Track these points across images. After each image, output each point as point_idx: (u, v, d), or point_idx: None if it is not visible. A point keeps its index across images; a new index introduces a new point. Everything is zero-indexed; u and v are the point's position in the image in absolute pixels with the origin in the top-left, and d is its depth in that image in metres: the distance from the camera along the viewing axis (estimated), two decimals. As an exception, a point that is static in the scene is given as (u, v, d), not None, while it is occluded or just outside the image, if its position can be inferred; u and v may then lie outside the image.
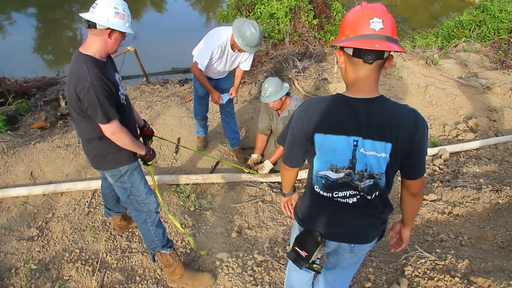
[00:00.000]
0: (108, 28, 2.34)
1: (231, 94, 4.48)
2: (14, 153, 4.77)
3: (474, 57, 7.85)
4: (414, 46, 8.40)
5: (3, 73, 6.80)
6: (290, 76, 6.74)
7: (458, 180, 4.03)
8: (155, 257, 3.02)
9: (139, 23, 13.42)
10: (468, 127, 5.45)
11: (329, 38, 8.26)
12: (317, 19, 8.17)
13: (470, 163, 4.40)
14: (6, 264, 3.35)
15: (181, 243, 3.52)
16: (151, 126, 3.16)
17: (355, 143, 1.65)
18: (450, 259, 2.91)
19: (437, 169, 4.39)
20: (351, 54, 1.55)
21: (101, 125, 2.42)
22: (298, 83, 6.63)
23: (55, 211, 3.96)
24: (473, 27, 8.89)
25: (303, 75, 6.86)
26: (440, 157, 4.60)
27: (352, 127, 1.64)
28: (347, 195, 1.79)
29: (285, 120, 4.28)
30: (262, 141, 4.63)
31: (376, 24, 1.51)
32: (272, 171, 4.48)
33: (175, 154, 4.82)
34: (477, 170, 4.20)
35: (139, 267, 3.29)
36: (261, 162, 4.57)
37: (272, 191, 4.25)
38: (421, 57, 7.38)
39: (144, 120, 3.09)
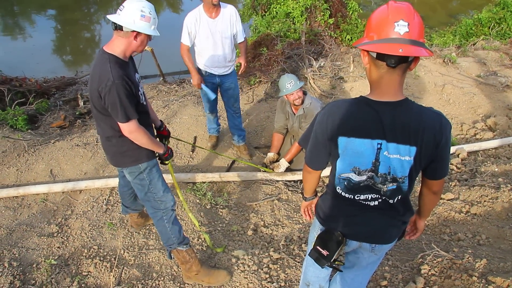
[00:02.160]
0: (134, 31, 2.39)
1: (241, 63, 4.46)
2: (34, 151, 4.88)
3: (493, 55, 7.71)
4: (431, 44, 8.30)
5: (24, 73, 6.96)
6: (306, 75, 6.73)
7: (476, 179, 3.98)
8: (172, 254, 3.05)
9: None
10: (487, 126, 5.37)
11: (345, 37, 8.22)
12: (333, 18, 8.14)
13: (489, 162, 4.33)
14: (28, 259, 3.42)
15: (198, 240, 3.55)
16: (167, 127, 3.20)
17: (378, 146, 1.65)
18: (467, 258, 2.87)
19: (455, 168, 4.34)
20: (375, 56, 1.54)
21: (120, 124, 2.46)
22: (314, 82, 6.62)
23: (74, 208, 4.04)
24: (493, 24, 8.74)
25: (319, 74, 6.84)
26: (458, 156, 4.55)
27: (376, 130, 1.63)
28: (369, 198, 1.79)
29: (300, 118, 4.28)
30: (278, 140, 4.64)
31: (401, 28, 1.48)
32: (288, 169, 4.49)
33: (191, 152, 4.86)
34: (496, 169, 4.13)
35: (156, 263, 3.33)
36: (277, 160, 4.58)
37: (288, 190, 4.26)
38: (439, 56, 7.29)
39: (161, 121, 3.12)
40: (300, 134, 4.31)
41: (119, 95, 2.33)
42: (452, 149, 4.68)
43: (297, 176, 4.37)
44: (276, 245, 3.43)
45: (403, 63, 1.53)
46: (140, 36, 2.43)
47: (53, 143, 5.08)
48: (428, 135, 1.60)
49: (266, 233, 3.63)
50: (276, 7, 8.46)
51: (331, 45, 7.73)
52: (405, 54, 1.46)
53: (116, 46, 2.44)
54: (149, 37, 2.50)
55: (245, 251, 3.35)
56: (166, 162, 2.93)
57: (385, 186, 1.73)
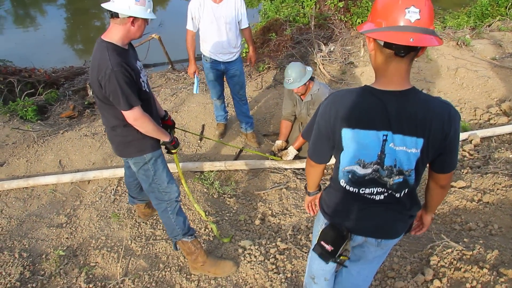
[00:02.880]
0: (131, 16, 2.34)
1: (251, 60, 4.50)
2: (43, 142, 4.90)
3: (510, 37, 7.45)
4: (445, 27, 8.06)
5: (33, 64, 6.98)
6: (315, 61, 6.61)
7: (489, 166, 3.86)
8: (177, 245, 3.04)
9: (164, 11, 13.49)
10: (501, 110, 5.21)
11: (356, 21, 8.04)
12: (343, 2, 7.95)
13: (503, 148, 4.20)
14: (38, 249, 3.46)
15: (205, 230, 3.54)
16: (175, 116, 3.16)
17: (384, 137, 1.57)
18: (478, 249, 2.79)
19: (467, 154, 4.22)
20: (382, 44, 1.45)
21: (123, 112, 2.43)
22: (323, 68, 6.50)
23: (82, 198, 4.06)
24: (510, 4, 8.45)
25: (329, 59, 6.71)
26: (470, 142, 4.42)
27: (381, 121, 1.55)
28: (374, 192, 1.72)
29: (308, 104, 4.20)
30: (287, 127, 4.57)
31: (412, 15, 1.38)
32: (297, 157, 4.43)
33: (199, 141, 4.83)
34: (510, 156, 4.00)
35: (163, 254, 3.33)
36: (285, 148, 4.52)
37: (297, 178, 4.22)
38: (452, 38, 7.09)
39: (165, 111, 3.09)
40: (308, 120, 4.23)
41: (119, 82, 2.30)
42: (465, 135, 4.56)
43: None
44: (284, 235, 3.39)
45: (412, 51, 1.45)
46: (137, 21, 2.39)
47: (62, 133, 5.10)
48: (436, 127, 1.52)
49: (274, 223, 3.60)
50: (285, -9, 8.32)
51: (341, 29, 7.58)
52: (416, 44, 1.38)
53: (114, 34, 2.40)
54: (146, 21, 2.46)
55: (252, 241, 3.33)
56: (173, 151, 2.90)
57: (391, 179, 1.65)
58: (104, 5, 2.36)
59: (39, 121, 5.58)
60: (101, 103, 2.52)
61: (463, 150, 4.31)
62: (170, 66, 7.60)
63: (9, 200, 4.06)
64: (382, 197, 1.72)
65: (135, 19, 2.37)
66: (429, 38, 1.39)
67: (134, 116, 2.46)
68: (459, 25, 8.10)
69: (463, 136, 4.55)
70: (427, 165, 1.71)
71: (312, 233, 3.38)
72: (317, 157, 1.86)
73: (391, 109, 1.53)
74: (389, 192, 1.70)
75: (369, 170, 1.66)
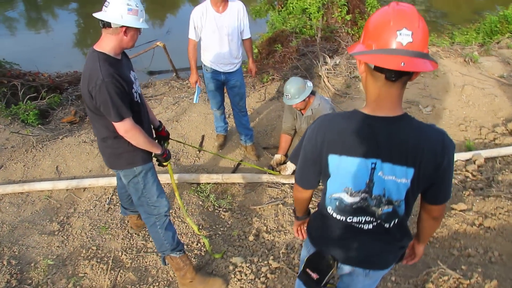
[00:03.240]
0: (123, 26, 2.30)
1: (251, 72, 4.46)
2: (42, 147, 4.88)
3: (519, 55, 7.36)
4: (453, 42, 7.97)
5: (38, 68, 6.99)
6: (320, 73, 6.55)
7: (492, 189, 3.75)
8: (166, 260, 2.97)
9: (174, 18, 13.54)
10: (507, 130, 5.09)
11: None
12: (351, 15, 7.91)
13: (507, 170, 4.08)
14: (27, 257, 3.41)
15: (197, 244, 3.46)
16: (168, 127, 3.10)
17: (372, 165, 1.48)
18: (476, 277, 2.68)
19: (470, 175, 4.10)
20: (373, 67, 1.37)
21: (114, 124, 2.39)
22: (328, 81, 6.43)
23: (76, 206, 4.01)
24: (519, 22, 8.35)
25: (334, 73, 6.65)
26: (474, 163, 4.31)
27: (370, 148, 1.47)
28: (362, 221, 1.63)
29: (309, 119, 4.13)
30: (286, 141, 4.50)
31: (404, 37, 1.30)
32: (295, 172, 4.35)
33: (198, 152, 4.77)
34: (514, 178, 3.90)
35: (153, 267, 3.26)
36: (284, 162, 4.45)
37: (294, 193, 4.13)
38: (459, 55, 6.99)
39: (159, 121, 3.04)
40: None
41: (109, 93, 2.25)
42: (469, 155, 4.45)
43: (304, 179, 4.23)
44: (277, 253, 3.31)
45: (404, 76, 1.36)
46: (130, 31, 2.35)
47: (61, 139, 5.07)
48: (427, 156, 1.43)
49: (268, 239, 3.51)
50: (292, 3, 8.28)
51: (347, 42, 7.52)
52: (408, 69, 1.29)
53: (106, 44, 2.36)
54: (139, 30, 2.42)
55: (243, 258, 3.25)
56: (165, 163, 2.84)
57: (380, 209, 1.57)
58: (96, 15, 2.32)
59: (39, 126, 5.56)
60: (92, 114, 2.47)
61: (466, 171, 4.20)
62: (174, 74, 7.58)
63: (3, 205, 4.03)
64: (370, 226, 1.64)
65: (128, 28, 2.33)
66: (422, 62, 1.31)
67: (125, 128, 2.41)
68: (468, 41, 8.00)
69: (466, 155, 4.45)
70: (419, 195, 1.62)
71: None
72: (304, 182, 1.77)
73: (381, 136, 1.44)
74: (378, 222, 1.62)
75: (356, 199, 1.58)
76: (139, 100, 2.58)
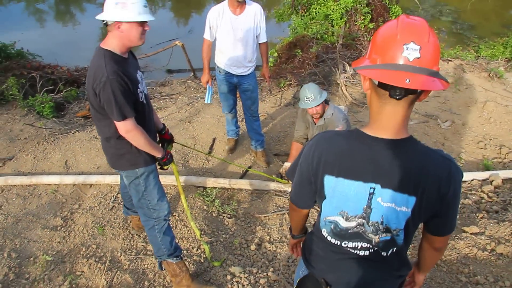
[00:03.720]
0: (115, 21, 2.25)
1: (265, 76, 4.41)
2: (54, 140, 4.90)
3: (547, 72, 7.10)
4: (478, 56, 7.74)
5: (58, 61, 7.05)
6: (338, 81, 6.43)
7: (508, 213, 3.57)
8: (162, 265, 2.92)
9: (199, 17, 13.57)
10: (530, 151, 4.90)
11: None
12: (374, 23, 7.76)
13: (526, 194, 3.91)
14: (28, 251, 3.40)
15: (197, 250, 3.39)
16: (170, 131, 3.04)
17: (371, 190, 1.38)
18: (484, 309, 2.55)
19: (485, 196, 3.92)
20: (377, 84, 1.27)
21: (116, 123, 2.35)
22: (346, 89, 6.31)
23: (81, 202, 4.00)
24: (549, 38, 8.06)
25: (352, 81, 6.52)
26: (491, 183, 4.13)
27: (369, 172, 1.36)
28: (358, 247, 1.52)
29: (321, 128, 4.03)
30: (297, 149, 4.40)
31: (411, 52, 1.19)
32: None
33: (207, 154, 4.70)
34: (533, 203, 3.72)
35: (151, 271, 3.20)
36: (293, 171, 4.34)
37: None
38: (484, 69, 6.77)
39: (163, 124, 2.98)
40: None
41: (113, 91, 2.21)
42: (486, 175, 4.27)
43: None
44: (277, 265, 3.21)
45: (411, 94, 1.24)
46: (123, 25, 2.26)
47: (73, 133, 5.09)
48: (431, 185, 1.31)
49: (270, 250, 3.42)
50: (316, 8, 8.18)
51: (369, 51, 7.37)
52: (413, 86, 1.17)
53: (110, 42, 2.33)
54: (141, 25, 2.32)
55: (243, 268, 3.16)
56: (165, 167, 2.79)
57: (377, 236, 1.45)
58: (97, 17, 2.30)
59: (54, 118, 5.60)
60: (95, 112, 2.43)
61: (481, 191, 4.02)
62: (192, 74, 7.56)
63: (10, 196, 4.04)
64: (367, 253, 1.52)
65: (121, 23, 2.26)
66: (430, 80, 1.19)
67: (126, 128, 2.36)
68: (494, 56, 7.76)
69: (483, 175, 4.27)
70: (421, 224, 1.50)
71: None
72: (299, 201, 1.67)
73: (382, 160, 1.34)
74: (375, 249, 1.51)
75: (353, 224, 1.47)
76: (144, 101, 2.53)
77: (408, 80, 1.17)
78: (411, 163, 1.32)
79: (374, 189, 1.37)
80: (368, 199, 1.39)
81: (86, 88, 2.54)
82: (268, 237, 3.57)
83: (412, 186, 1.32)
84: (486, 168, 4.52)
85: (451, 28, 11.12)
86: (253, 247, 3.44)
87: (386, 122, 1.33)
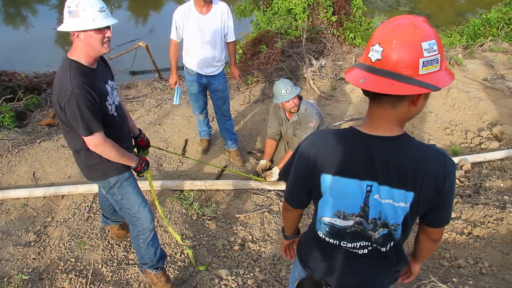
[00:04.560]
0: (73, 31, 2.15)
1: (234, 75, 4.34)
2: (18, 151, 4.68)
3: (502, 58, 7.40)
4: (438, 45, 7.98)
5: (14, 68, 6.74)
6: (305, 76, 6.48)
7: (480, 196, 3.72)
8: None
9: (158, 16, 13.32)
10: (493, 134, 5.10)
11: (348, 36, 7.95)
12: (336, 16, 7.85)
13: (494, 176, 4.06)
14: (0, 271, 3.23)
15: (180, 256, 3.34)
16: (146, 137, 2.96)
17: (368, 188, 1.39)
18: (467, 291, 2.64)
19: (458, 182, 4.07)
20: None
21: (83, 137, 2.25)
22: (314, 83, 6.37)
23: (54, 215, 3.85)
24: (502, 25, 8.41)
25: (319, 75, 6.59)
26: (461, 168, 4.28)
27: (365, 169, 1.37)
28: (357, 246, 1.54)
29: (294, 124, 4.05)
30: (271, 146, 4.41)
31: (374, 54, 1.22)
32: (281, 178, 4.25)
33: (181, 157, 4.63)
34: (501, 185, 3.87)
35: (135, 281, 3.13)
36: (269, 168, 4.35)
37: (280, 200, 4.04)
38: (444, 57, 6.98)
39: (139, 130, 2.90)
40: (294, 141, 4.08)
41: (79, 106, 2.11)
42: (455, 160, 4.42)
43: (291, 185, 4.13)
44: (263, 264, 3.21)
45: (386, 96, 1.25)
46: (81, 34, 2.14)
47: (38, 143, 4.88)
48: (428, 180, 1.33)
49: (254, 250, 3.41)
50: (278, 3, 8.19)
51: (333, 43, 7.47)
52: (366, 87, 1.22)
53: (75, 52, 2.21)
54: (100, 32, 2.17)
55: (229, 270, 3.14)
56: (141, 175, 2.72)
57: (376, 232, 1.47)
58: (57, 29, 2.21)
59: (16, 129, 5.34)
60: (63, 125, 2.33)
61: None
62: (157, 75, 7.41)
63: (-25, 214, 3.83)
64: (366, 251, 1.54)
65: (79, 33, 2.15)
66: (387, 83, 1.20)
67: (95, 143, 2.27)
68: (452, 44, 8.04)
69: (454, 161, 4.42)
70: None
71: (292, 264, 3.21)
72: (294, 201, 1.67)
73: (378, 157, 1.35)
74: (374, 246, 1.53)
75: (350, 222, 1.48)
76: (114, 113, 2.42)
77: (362, 80, 1.23)
78: (407, 159, 1.34)
79: (371, 186, 1.38)
80: (365, 196, 1.41)
81: (52, 100, 2.42)
82: (251, 237, 3.56)
83: (410, 182, 1.34)
84: (455, 153, 4.68)
85: (408, 17, 11.41)
86: (236, 247, 3.42)
87: (376, 121, 1.35)
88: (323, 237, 1.58)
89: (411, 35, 1.19)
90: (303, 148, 1.51)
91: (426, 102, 1.34)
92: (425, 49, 1.19)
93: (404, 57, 1.19)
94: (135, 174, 2.72)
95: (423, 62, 1.19)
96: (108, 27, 2.21)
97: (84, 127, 2.16)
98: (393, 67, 1.20)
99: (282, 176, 1.69)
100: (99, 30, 2.16)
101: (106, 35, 2.20)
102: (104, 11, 2.17)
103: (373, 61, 1.23)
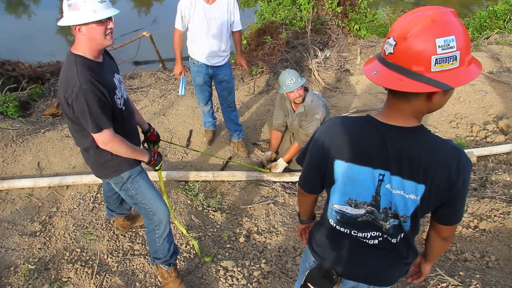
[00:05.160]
0: (74, 25, 2.10)
1: (241, 65, 4.29)
2: (23, 141, 4.68)
3: (508, 51, 7.33)
4: (443, 37, 7.92)
5: (18, 57, 6.72)
6: (310, 67, 6.44)
7: (486, 190, 3.70)
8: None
9: (161, 5, 13.25)
10: (498, 128, 5.06)
11: (353, 27, 7.90)
12: (341, 7, 7.80)
13: (500, 170, 4.04)
14: (6, 261, 3.24)
15: (186, 247, 3.34)
16: (156, 129, 2.93)
17: (380, 177, 1.38)
18: (475, 285, 2.62)
19: (463, 175, 4.05)
20: None
21: (92, 135, 2.21)
22: (318, 74, 6.34)
23: (59, 205, 3.85)
24: (509, 17, 8.33)
25: (324, 66, 6.55)
26: (467, 161, 4.26)
27: (379, 158, 1.36)
28: (368, 236, 1.54)
29: (300, 116, 4.03)
30: (277, 138, 4.40)
31: (388, 47, 1.21)
32: (286, 170, 4.25)
33: (186, 147, 4.62)
34: (508, 179, 3.85)
35: (140, 271, 3.13)
36: (275, 160, 4.34)
37: (285, 192, 4.03)
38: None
39: (149, 124, 2.86)
40: (299, 133, 4.06)
41: (87, 102, 2.06)
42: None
43: (296, 177, 4.13)
44: (269, 255, 3.20)
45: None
46: (82, 28, 2.09)
47: (42, 133, 4.87)
48: (441, 174, 1.31)
49: (259, 241, 3.41)
50: (282, -7, 8.13)
51: (338, 35, 7.42)
52: (374, 80, 1.21)
53: (79, 46, 2.16)
54: (102, 24, 2.12)
55: (235, 261, 3.14)
56: (156, 168, 2.68)
57: (387, 222, 1.46)
58: (58, 23, 2.16)
59: (20, 118, 5.34)
60: (71, 123, 2.28)
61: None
62: (161, 65, 7.38)
63: (-20, 203, 3.84)
64: (376, 241, 1.54)
65: (80, 26, 2.10)
66: (395, 78, 1.19)
67: (104, 140, 2.23)
68: (458, 36, 7.95)
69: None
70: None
71: (299, 254, 3.21)
72: (308, 186, 1.68)
73: (392, 147, 1.33)
74: (385, 236, 1.52)
75: (361, 211, 1.47)
76: (123, 107, 2.38)
77: (374, 72, 1.23)
78: (421, 151, 1.32)
79: (384, 175, 1.37)
80: (377, 185, 1.40)
81: (58, 97, 2.38)
82: (256, 228, 3.56)
83: (422, 174, 1.33)
84: (461, 146, 4.65)
85: (413, 9, 11.32)
86: (242, 239, 3.42)
87: (392, 112, 1.34)
88: (334, 225, 1.58)
89: (426, 30, 1.15)
90: (318, 134, 1.51)
91: (447, 98, 1.30)
92: (439, 46, 1.14)
93: (414, 53, 1.17)
94: (147, 168, 2.69)
95: (436, 59, 1.15)
96: (109, 18, 2.15)
97: (93, 123, 2.12)
98: (403, 62, 1.19)
99: (298, 161, 1.69)
100: (101, 22, 2.10)
101: (108, 27, 2.15)
102: (105, 1, 2.12)
103: (386, 54, 1.22)
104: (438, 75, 1.17)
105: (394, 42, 1.19)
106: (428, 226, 1.59)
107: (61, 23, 2.11)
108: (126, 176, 2.49)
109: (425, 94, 1.24)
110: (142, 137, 2.86)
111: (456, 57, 1.16)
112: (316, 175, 1.58)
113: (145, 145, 2.88)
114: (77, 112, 2.12)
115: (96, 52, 2.20)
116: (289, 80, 3.77)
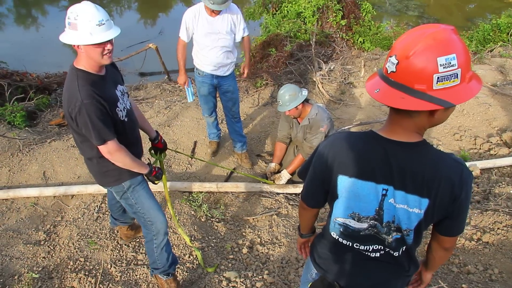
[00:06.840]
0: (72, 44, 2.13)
1: (243, 71, 4.35)
2: (29, 151, 4.73)
3: (511, 63, 7.36)
4: (447, 50, 7.96)
5: (26, 68, 6.81)
6: (314, 79, 6.48)
7: (490, 202, 3.70)
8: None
9: (167, 18, 13.38)
10: (502, 140, 5.07)
11: (357, 40, 7.95)
12: (346, 20, 7.87)
13: (503, 182, 4.05)
14: (11, 269, 3.26)
15: (189, 257, 3.35)
16: (163, 137, 2.97)
17: (384, 192, 1.40)
18: (477, 297, 2.63)
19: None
20: None
21: (98, 146, 2.27)
22: (322, 87, 6.37)
23: (64, 214, 3.88)
24: (512, 30, 8.37)
25: (328, 78, 6.59)
26: (470, 174, 4.26)
27: (382, 173, 1.38)
28: (370, 249, 1.55)
29: (305, 128, 4.06)
30: (281, 149, 4.42)
31: (390, 65, 1.24)
32: (290, 181, 4.27)
33: (190, 159, 4.65)
34: (511, 191, 3.85)
35: (143, 281, 3.14)
36: (278, 171, 4.36)
37: (289, 204, 4.04)
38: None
39: (156, 132, 2.90)
40: (304, 145, 4.09)
41: (89, 116, 2.11)
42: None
43: (299, 189, 4.15)
44: (272, 266, 3.21)
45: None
46: (80, 46, 2.11)
47: (49, 142, 4.92)
48: (444, 188, 1.33)
49: (262, 252, 3.42)
50: (287, 6, 8.21)
51: (342, 47, 7.47)
52: (377, 98, 1.24)
53: (80, 60, 2.19)
54: (100, 46, 2.12)
55: (237, 272, 3.14)
56: (156, 182, 2.71)
57: (390, 236, 1.48)
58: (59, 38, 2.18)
59: (27, 128, 5.40)
60: (76, 135, 2.33)
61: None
62: (166, 76, 7.45)
63: (-14, 212, 3.87)
64: (378, 254, 1.55)
65: (79, 45, 2.12)
66: (398, 96, 1.22)
67: (109, 150, 2.28)
68: (461, 49, 7.98)
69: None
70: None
71: (302, 266, 3.21)
72: (310, 200, 1.69)
73: (395, 162, 1.36)
74: (387, 250, 1.53)
75: (364, 225, 1.49)
76: (125, 119, 2.42)
77: (377, 90, 1.25)
78: (424, 166, 1.34)
79: (387, 190, 1.39)
80: (380, 200, 1.42)
81: (63, 110, 2.42)
82: (259, 239, 3.57)
83: (425, 189, 1.34)
84: (464, 159, 4.66)
85: (418, 22, 11.41)
86: (245, 250, 3.43)
87: (395, 127, 1.37)
88: (336, 238, 1.60)
89: (428, 49, 1.18)
90: (322, 148, 1.53)
91: (449, 113, 1.32)
92: (440, 65, 1.17)
93: (417, 72, 1.19)
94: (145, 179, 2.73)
95: (438, 78, 1.18)
96: (108, 40, 2.15)
97: (97, 136, 2.17)
98: (406, 80, 1.21)
99: (300, 175, 1.71)
100: (98, 44, 2.12)
101: (106, 48, 2.16)
102: (104, 24, 2.11)
103: (388, 72, 1.25)
104: (440, 93, 1.19)
105: (396, 61, 1.22)
106: (430, 236, 1.60)
107: (61, 38, 2.14)
108: (127, 185, 2.54)
109: (427, 110, 1.25)
110: (149, 144, 2.92)
111: (457, 74, 1.19)
112: (319, 189, 1.60)
113: (152, 151, 2.92)
114: (80, 126, 2.17)
115: (96, 67, 2.23)
116: (278, 100, 3.87)
